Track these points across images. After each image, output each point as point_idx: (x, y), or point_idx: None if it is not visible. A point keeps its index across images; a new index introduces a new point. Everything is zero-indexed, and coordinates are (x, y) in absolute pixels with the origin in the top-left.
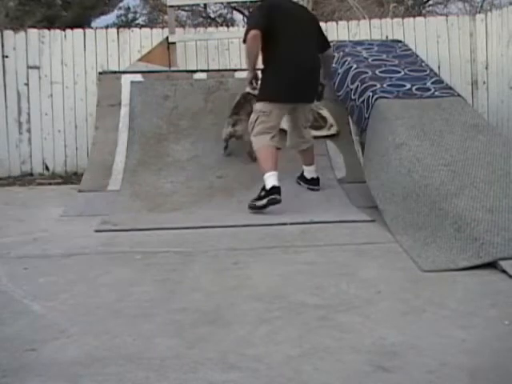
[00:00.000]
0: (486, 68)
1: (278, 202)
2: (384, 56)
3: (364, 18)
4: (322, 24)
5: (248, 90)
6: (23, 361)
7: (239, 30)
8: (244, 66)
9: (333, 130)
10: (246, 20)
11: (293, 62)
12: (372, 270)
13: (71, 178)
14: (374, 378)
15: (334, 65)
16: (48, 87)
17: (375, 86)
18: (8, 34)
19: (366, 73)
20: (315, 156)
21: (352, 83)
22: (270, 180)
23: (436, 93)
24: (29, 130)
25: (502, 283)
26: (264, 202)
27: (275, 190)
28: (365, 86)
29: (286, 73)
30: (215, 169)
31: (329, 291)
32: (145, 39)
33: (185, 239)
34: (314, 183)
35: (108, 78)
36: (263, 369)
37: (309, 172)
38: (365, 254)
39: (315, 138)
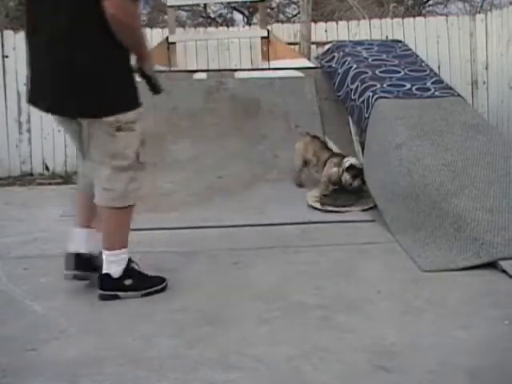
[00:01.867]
0: (486, 68)
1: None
2: (384, 56)
3: (364, 18)
4: (322, 24)
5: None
6: (23, 361)
7: (239, 30)
8: (245, 66)
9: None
10: (245, 20)
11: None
12: (372, 270)
13: (71, 177)
14: (374, 377)
15: (333, 64)
16: None
17: (375, 86)
18: (8, 33)
19: (366, 73)
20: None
21: (352, 83)
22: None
23: (436, 93)
24: (29, 130)
25: (501, 283)
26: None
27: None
28: (365, 86)
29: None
30: (215, 169)
31: (329, 291)
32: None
33: (184, 239)
34: (102, 283)
35: None
36: (263, 369)
37: (103, 260)
38: (365, 254)
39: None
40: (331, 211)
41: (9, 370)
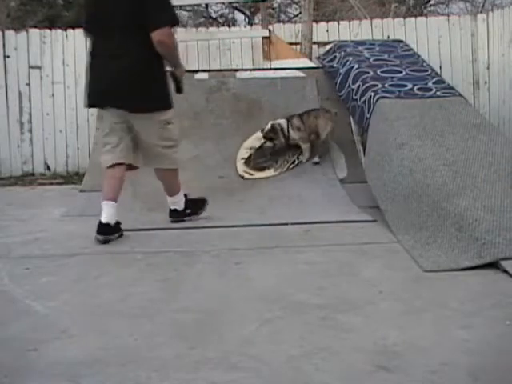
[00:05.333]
0: (488, 68)
1: (102, 241)
2: (385, 56)
3: (365, 17)
4: (323, 24)
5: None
6: (25, 361)
7: (241, 30)
8: (246, 66)
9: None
10: (246, 19)
11: (100, 60)
12: (373, 270)
13: (72, 178)
14: (376, 377)
15: (335, 64)
16: (49, 87)
17: (377, 86)
18: (9, 34)
19: (368, 73)
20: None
21: (353, 83)
22: (102, 211)
23: (437, 93)
24: (30, 130)
25: (503, 283)
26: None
27: (102, 228)
28: (366, 86)
29: (95, 72)
30: (216, 169)
31: (330, 291)
32: None
33: (186, 239)
34: (172, 215)
35: None
36: (265, 369)
37: (169, 203)
38: (366, 254)
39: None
40: (248, 178)
41: (10, 369)
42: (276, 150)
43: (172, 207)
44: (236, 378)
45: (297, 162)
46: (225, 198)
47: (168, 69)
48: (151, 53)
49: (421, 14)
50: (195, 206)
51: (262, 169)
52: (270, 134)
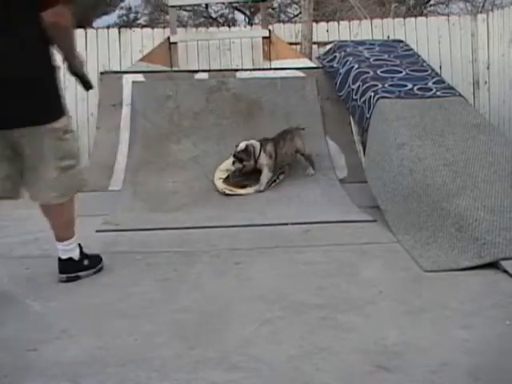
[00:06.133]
0: (488, 68)
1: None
2: (385, 56)
3: (365, 17)
4: (323, 24)
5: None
6: (25, 361)
7: (241, 30)
8: (246, 66)
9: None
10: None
11: None
12: (373, 270)
13: None
14: (376, 378)
15: (335, 64)
16: None
17: (377, 86)
18: None
19: (368, 73)
20: (315, 157)
21: (353, 83)
22: None
23: (437, 93)
24: None
25: (503, 283)
26: None
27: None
28: (366, 86)
29: None
30: (216, 169)
31: (330, 291)
32: (146, 39)
33: (186, 239)
34: (65, 268)
35: (109, 77)
36: (265, 369)
37: (60, 250)
38: (366, 254)
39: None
40: (228, 193)
41: (10, 369)
42: (243, 173)
43: (64, 256)
44: (236, 378)
45: (278, 181)
46: (225, 197)
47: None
48: (35, 41)
49: (421, 14)
50: (92, 258)
51: (244, 186)
52: (242, 155)
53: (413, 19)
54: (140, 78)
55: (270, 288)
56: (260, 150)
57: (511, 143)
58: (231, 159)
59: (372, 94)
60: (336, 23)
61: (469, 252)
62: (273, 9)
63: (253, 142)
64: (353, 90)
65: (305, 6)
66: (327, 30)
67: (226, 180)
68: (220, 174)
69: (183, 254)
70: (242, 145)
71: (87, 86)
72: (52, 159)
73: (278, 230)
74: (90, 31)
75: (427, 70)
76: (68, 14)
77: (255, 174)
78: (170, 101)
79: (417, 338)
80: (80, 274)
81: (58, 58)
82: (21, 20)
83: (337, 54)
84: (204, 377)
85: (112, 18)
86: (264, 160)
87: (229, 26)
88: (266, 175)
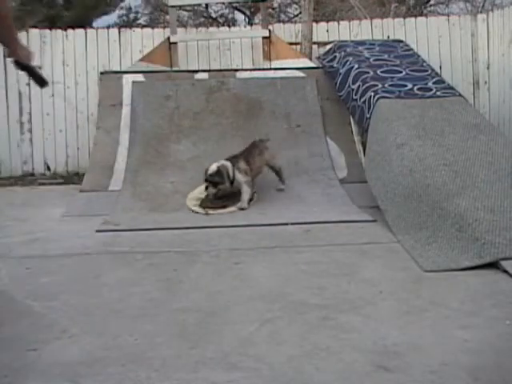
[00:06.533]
0: (488, 68)
1: None
2: (385, 56)
3: (365, 17)
4: (323, 24)
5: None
6: (25, 361)
7: (241, 30)
8: (246, 66)
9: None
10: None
11: None
12: (373, 270)
13: (72, 178)
14: (376, 377)
15: (335, 64)
16: (49, 87)
17: (377, 86)
18: None
19: (368, 73)
20: (315, 157)
21: (353, 83)
22: None
23: (437, 93)
24: (30, 130)
25: (503, 283)
26: None
27: None
28: (366, 86)
29: None
30: None
31: (330, 291)
32: (146, 39)
33: (186, 239)
34: None
35: (109, 77)
36: (265, 368)
37: None
38: (366, 254)
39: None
40: (212, 213)
41: (10, 370)
42: (218, 197)
43: None
44: (236, 378)
45: (254, 199)
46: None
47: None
48: None
49: (421, 14)
50: None
51: (224, 206)
52: (215, 178)
53: (413, 19)
54: (140, 78)
55: (269, 288)
56: (233, 169)
57: (511, 143)
58: (199, 188)
59: (372, 93)
60: (336, 23)
61: (469, 252)
62: (273, 9)
63: (223, 162)
64: (353, 89)
65: (305, 6)
66: (327, 30)
67: (203, 202)
68: (192, 203)
69: (183, 254)
70: (213, 167)
71: (41, 81)
72: None
73: (278, 230)
74: (89, 31)
75: (427, 70)
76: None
77: (231, 196)
78: (170, 101)
79: (417, 338)
80: None
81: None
82: None
83: (337, 54)
84: (204, 377)
85: (112, 18)
86: (241, 178)
87: (229, 26)
88: (246, 192)
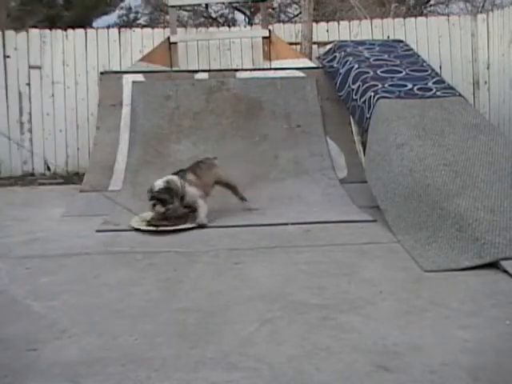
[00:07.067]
0: (488, 68)
1: None
2: (385, 56)
3: (365, 17)
4: (323, 24)
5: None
6: (25, 361)
7: (241, 30)
8: (246, 66)
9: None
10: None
11: None
12: (373, 270)
13: (72, 178)
14: (376, 377)
15: (335, 64)
16: (49, 87)
17: (377, 86)
18: (9, 34)
19: (368, 73)
20: (315, 157)
21: (353, 83)
22: None
23: (437, 93)
24: (30, 130)
25: (503, 283)
26: None
27: None
28: (366, 86)
29: None
30: None
31: (330, 291)
32: (146, 39)
33: (186, 239)
34: None
35: (109, 77)
36: (265, 368)
37: None
38: (366, 254)
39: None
40: (162, 231)
41: (10, 369)
42: (166, 217)
43: None
44: (236, 378)
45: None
46: (225, 197)
47: None
48: None
49: (421, 14)
50: None
51: (174, 225)
52: (164, 196)
53: (413, 19)
54: (140, 77)
55: (269, 288)
56: (182, 182)
57: (511, 143)
58: (141, 216)
59: (372, 93)
60: (336, 23)
61: (469, 252)
62: (273, 9)
63: (170, 177)
64: (353, 90)
65: (305, 6)
66: (327, 30)
67: (152, 221)
68: (137, 223)
69: (183, 254)
70: (160, 183)
71: None
72: None
73: (278, 230)
74: (89, 31)
75: (427, 70)
76: None
77: (181, 219)
78: (170, 101)
79: (417, 338)
80: None
81: None
82: None
83: (337, 54)
84: (204, 377)
85: (112, 17)
86: (194, 192)
87: (229, 26)
88: (202, 207)
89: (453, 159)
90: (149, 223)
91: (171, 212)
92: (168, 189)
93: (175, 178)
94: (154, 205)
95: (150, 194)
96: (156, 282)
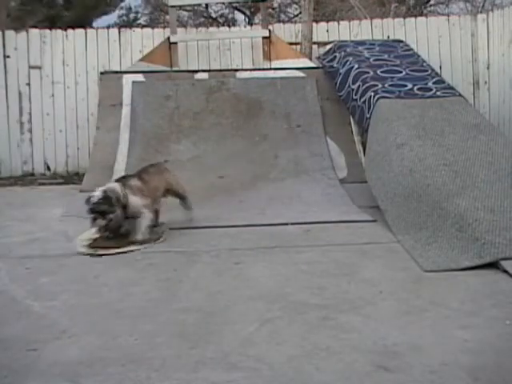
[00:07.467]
0: (488, 68)
1: None
2: (385, 56)
3: (365, 17)
4: (323, 24)
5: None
6: (25, 361)
7: (241, 30)
8: (246, 66)
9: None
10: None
11: None
12: (373, 270)
13: (72, 178)
14: (376, 377)
15: (335, 64)
16: (49, 87)
17: (377, 86)
18: (9, 34)
19: (368, 73)
20: (315, 157)
21: (353, 83)
22: None
23: (437, 93)
24: (30, 130)
25: (503, 283)
26: None
27: None
28: (366, 86)
29: None
30: (216, 169)
31: (330, 291)
32: (146, 39)
33: (186, 239)
34: None
35: (109, 77)
36: (265, 368)
37: None
38: (366, 254)
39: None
40: (104, 254)
41: (10, 369)
42: (113, 229)
43: None
44: (236, 378)
45: (162, 238)
46: (225, 198)
47: None
48: None
49: (421, 14)
50: None
51: (118, 247)
52: (102, 206)
53: (413, 19)
54: (140, 78)
55: (269, 288)
56: (124, 190)
57: (511, 143)
58: (88, 231)
59: (372, 93)
60: (336, 23)
61: (469, 252)
62: (273, 9)
63: (109, 185)
64: (353, 90)
65: (305, 6)
66: (327, 30)
67: (94, 243)
68: (80, 244)
69: (183, 254)
70: (98, 193)
71: None
72: None
73: (278, 230)
74: (89, 31)
75: (427, 70)
76: None
77: (127, 235)
78: (170, 101)
79: (417, 338)
80: None
81: None
82: None
83: (337, 54)
84: (204, 377)
85: (112, 17)
86: (137, 201)
87: (229, 26)
88: (145, 218)
89: (453, 159)
90: (90, 245)
91: (113, 223)
92: (106, 198)
93: (116, 185)
94: (95, 218)
95: (87, 206)
96: (156, 281)
